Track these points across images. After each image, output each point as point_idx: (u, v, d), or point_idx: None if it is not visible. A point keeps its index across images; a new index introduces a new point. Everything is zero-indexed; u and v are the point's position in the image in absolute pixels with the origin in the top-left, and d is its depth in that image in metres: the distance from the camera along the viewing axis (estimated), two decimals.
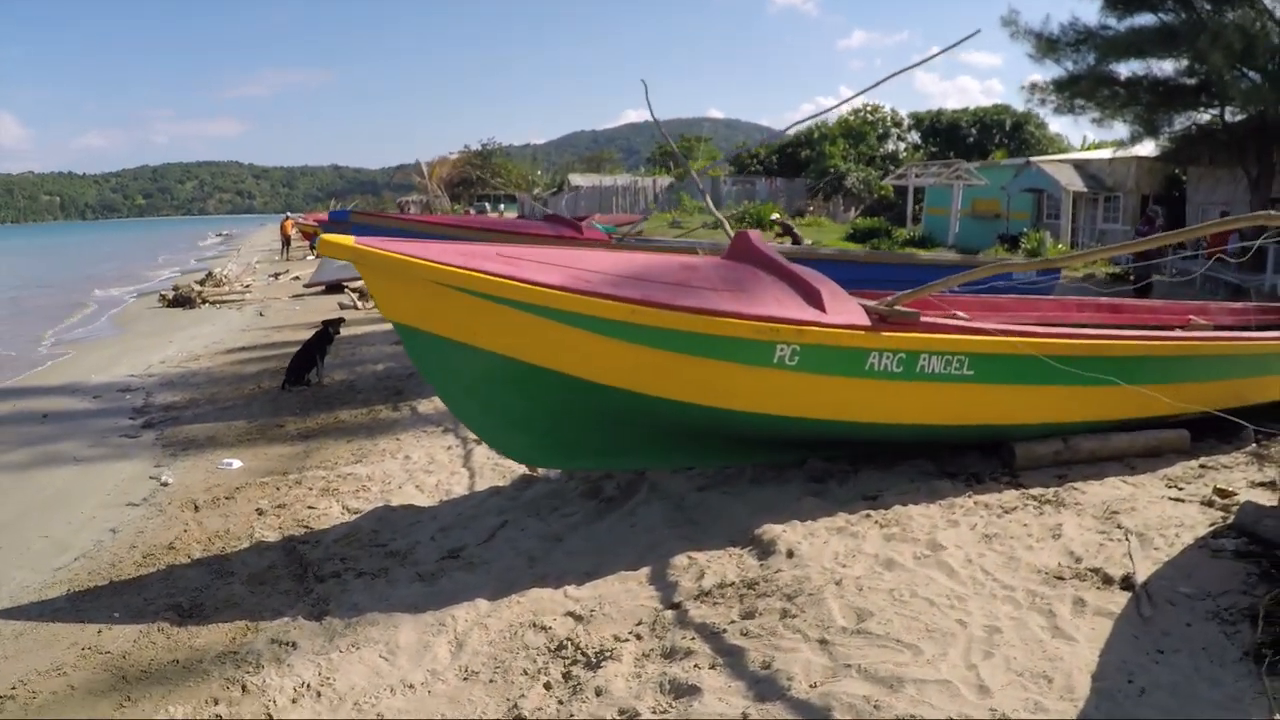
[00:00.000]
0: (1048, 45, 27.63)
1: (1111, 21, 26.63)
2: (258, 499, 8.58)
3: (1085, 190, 34.56)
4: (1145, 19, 26.01)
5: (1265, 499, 6.74)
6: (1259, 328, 11.46)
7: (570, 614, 5.63)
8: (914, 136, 70.54)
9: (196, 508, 8.54)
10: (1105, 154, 35.51)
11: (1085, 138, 31.99)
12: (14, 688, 5.33)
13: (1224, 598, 5.50)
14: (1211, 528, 6.56)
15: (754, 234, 7.75)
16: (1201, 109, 26.56)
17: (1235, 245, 24.64)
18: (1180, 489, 7.55)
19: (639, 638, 5.27)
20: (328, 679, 5.10)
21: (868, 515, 6.77)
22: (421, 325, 5.83)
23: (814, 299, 6.67)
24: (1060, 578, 5.79)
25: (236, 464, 10.02)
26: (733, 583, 5.80)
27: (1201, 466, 8.09)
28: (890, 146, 69.44)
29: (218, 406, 13.33)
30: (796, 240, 23.30)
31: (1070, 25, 27.27)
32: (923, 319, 7.00)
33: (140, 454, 10.97)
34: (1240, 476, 7.74)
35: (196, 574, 6.82)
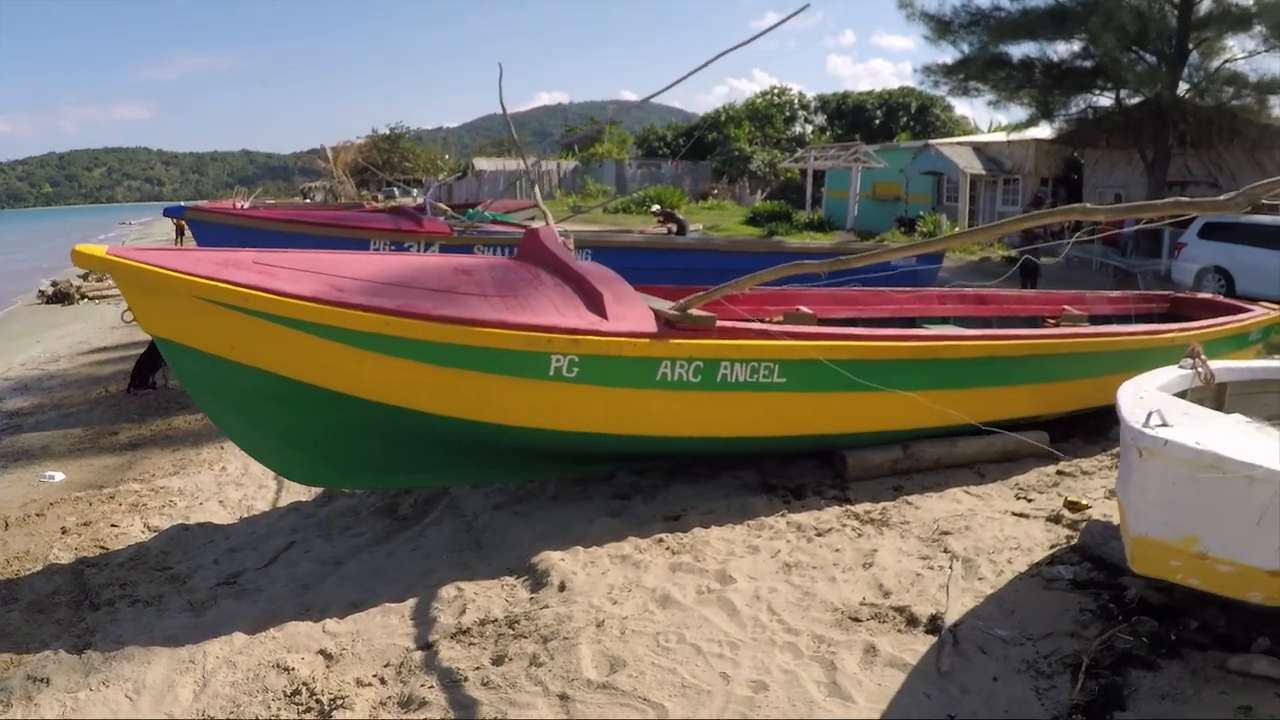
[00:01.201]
0: (942, 27, 27.22)
1: (1005, 3, 26.29)
2: (66, 516, 7.91)
3: (984, 173, 34.08)
4: (1039, 1, 25.60)
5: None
6: (1139, 317, 11.04)
7: (322, 651, 5.08)
8: (820, 119, 70.32)
9: (6, 525, 7.85)
10: (1005, 137, 35.24)
11: (991, 120, 31.67)
12: None
13: (1046, 641, 4.79)
14: (1052, 550, 5.91)
15: (545, 231, 7.16)
16: (1097, 92, 26.24)
17: (1131, 229, 24.31)
18: (1029, 500, 6.94)
19: (383, 681, 4.77)
20: (69, 712, 4.66)
21: (660, 540, 6.20)
22: (179, 339, 5.43)
23: (596, 304, 6.20)
24: (856, 619, 5.08)
25: (59, 477, 9.34)
26: (495, 619, 5.25)
27: (1059, 473, 7.50)
28: (798, 129, 69.14)
29: (61, 413, 12.39)
30: (681, 227, 22.39)
31: (963, 7, 26.92)
32: (720, 325, 6.39)
33: None
34: (1099, 484, 7.17)
35: None
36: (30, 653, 5.34)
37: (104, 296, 27.42)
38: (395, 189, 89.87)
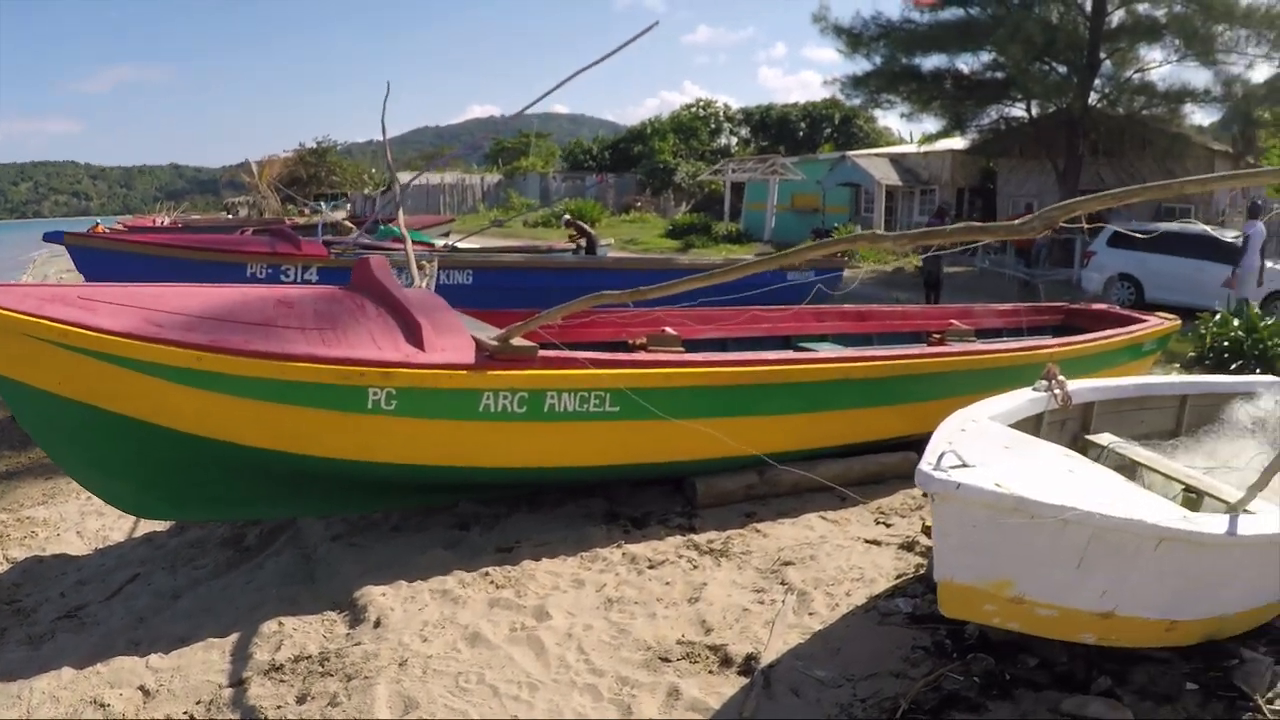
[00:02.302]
0: (854, 40, 27.24)
1: (915, 16, 26.37)
2: None
3: (901, 184, 34.23)
4: (950, 14, 25.67)
5: None
6: (1031, 330, 10.83)
7: (141, 687, 4.97)
8: (745, 132, 70.36)
9: None
10: (918, 148, 35.36)
11: (911, 133, 31.72)
12: None
13: (868, 683, 4.52)
14: (898, 580, 5.67)
15: (375, 260, 6.98)
16: (1008, 103, 26.35)
17: (1046, 239, 24.31)
18: (888, 525, 6.71)
19: (192, 719, 4.65)
20: None
21: (486, 574, 5.99)
22: (8, 373, 5.40)
23: (414, 335, 6.06)
24: (667, 659, 4.83)
25: None
26: (309, 656, 5.11)
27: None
28: (723, 141, 69.12)
29: None
30: (591, 241, 21.95)
31: (873, 19, 26.96)
32: (544, 355, 6.22)
33: None
34: None
35: None
36: None
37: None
38: (322, 203, 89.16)
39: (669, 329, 8.46)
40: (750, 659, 4.72)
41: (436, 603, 5.66)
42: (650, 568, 5.99)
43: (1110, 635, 4.30)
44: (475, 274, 13.53)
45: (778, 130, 66.39)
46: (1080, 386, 6.44)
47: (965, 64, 26.65)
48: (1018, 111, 26.66)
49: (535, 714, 4.41)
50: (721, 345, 9.28)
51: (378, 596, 5.70)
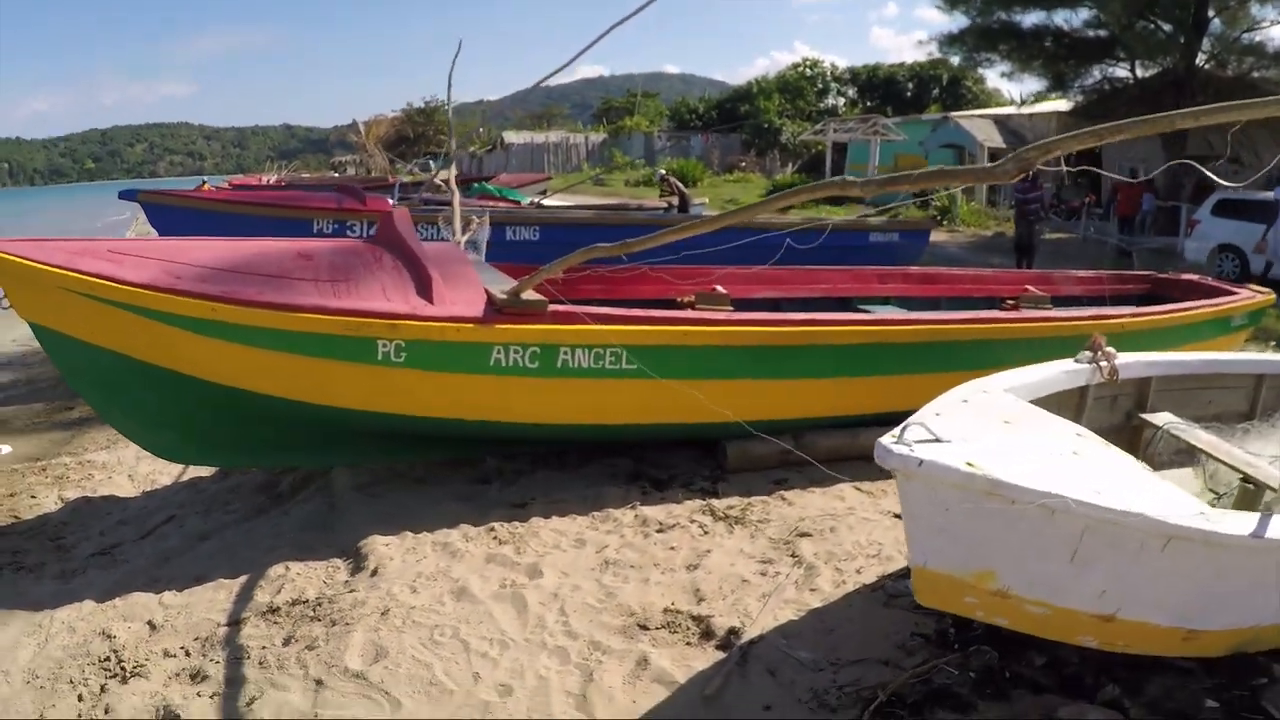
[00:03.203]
0: None
1: None
2: None
3: (1004, 146, 33.04)
4: None
5: None
6: (1114, 299, 10.31)
7: (149, 622, 5.14)
8: (852, 92, 69.08)
9: None
10: (1017, 109, 34.18)
11: (1022, 94, 30.57)
12: None
13: (853, 669, 4.26)
14: None
15: (398, 213, 7.01)
16: (1110, 62, 25.20)
17: (1151, 206, 23.43)
18: None
19: (187, 654, 4.80)
20: None
21: (492, 529, 5.95)
22: (45, 324, 5.73)
23: (425, 288, 6.06)
24: (645, 627, 4.70)
25: (6, 449, 9.45)
26: (307, 600, 5.22)
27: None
28: (830, 101, 67.98)
29: (32, 388, 12.41)
30: (684, 200, 21.68)
31: None
32: (555, 309, 6.10)
33: None
34: None
35: None
36: None
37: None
38: (430, 161, 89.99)
39: (719, 287, 8.23)
40: (733, 633, 4.53)
41: (435, 555, 5.66)
42: (659, 531, 5.84)
43: (1114, 640, 3.86)
44: (542, 230, 13.35)
45: (884, 91, 65.01)
46: (1135, 359, 5.87)
47: (1066, 21, 25.55)
48: (1121, 72, 25.58)
49: (498, 672, 4.37)
50: (775, 305, 8.91)
51: (380, 546, 5.75)
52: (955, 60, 29.34)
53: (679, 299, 8.20)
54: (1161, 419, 5.59)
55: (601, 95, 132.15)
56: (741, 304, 8.42)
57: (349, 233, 12.32)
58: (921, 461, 3.41)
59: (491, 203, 20.64)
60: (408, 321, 5.76)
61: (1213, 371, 6.33)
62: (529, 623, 4.81)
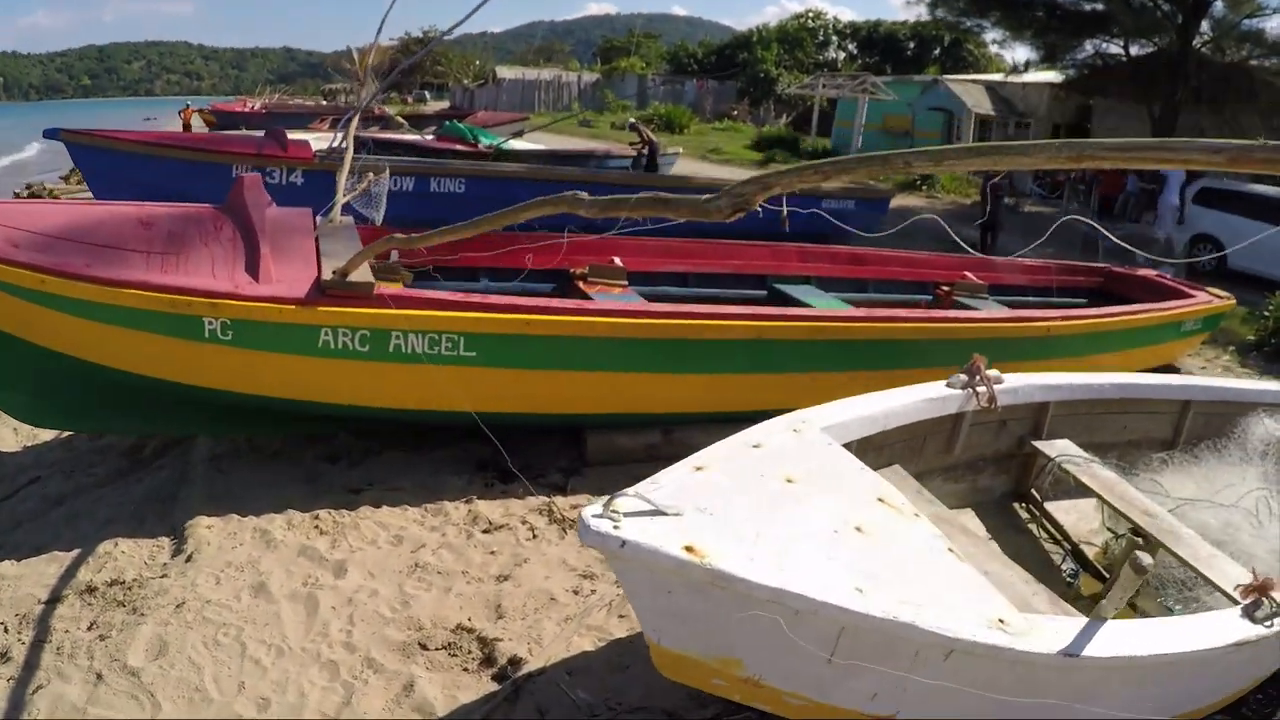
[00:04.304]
0: None
1: None
2: None
3: (994, 114, 32.59)
4: None
5: None
6: (1062, 292, 9.97)
7: None
8: (853, 47, 68.28)
9: None
10: (1003, 77, 33.42)
11: (1029, 62, 29.67)
12: None
13: (636, 716, 4.00)
14: None
15: (249, 179, 6.76)
16: (1103, 37, 24.55)
17: (1135, 188, 22.81)
18: None
19: (6, 630, 4.74)
20: None
21: (316, 517, 5.75)
22: None
23: (254, 264, 5.89)
24: (425, 646, 4.47)
25: None
26: (122, 581, 5.11)
27: None
28: (831, 54, 67.24)
29: None
30: (653, 149, 21.18)
31: None
32: (384, 292, 5.83)
33: None
34: None
35: None
36: None
37: (77, 199, 26.54)
38: (425, 93, 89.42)
39: (617, 259, 7.90)
40: (513, 662, 4.29)
41: (251, 543, 5.49)
42: (485, 532, 5.60)
43: None
44: (467, 183, 13.02)
45: (885, 48, 64.32)
46: (1031, 382, 5.33)
47: None
48: (1115, 49, 24.82)
49: (263, 683, 4.21)
50: (681, 280, 8.66)
51: (203, 529, 5.60)
52: (943, 19, 28.36)
53: (572, 270, 7.89)
54: (1057, 448, 5.17)
55: (605, 34, 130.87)
56: (642, 278, 8.13)
57: (269, 179, 12.01)
58: (624, 543, 2.85)
59: (453, 144, 20.29)
60: (228, 301, 5.57)
61: (1124, 397, 5.77)
62: (313, 628, 4.62)
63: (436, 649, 4.41)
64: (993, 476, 5.48)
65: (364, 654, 4.39)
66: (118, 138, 12.87)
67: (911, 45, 63.09)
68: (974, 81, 35.32)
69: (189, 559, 5.28)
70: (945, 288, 9.04)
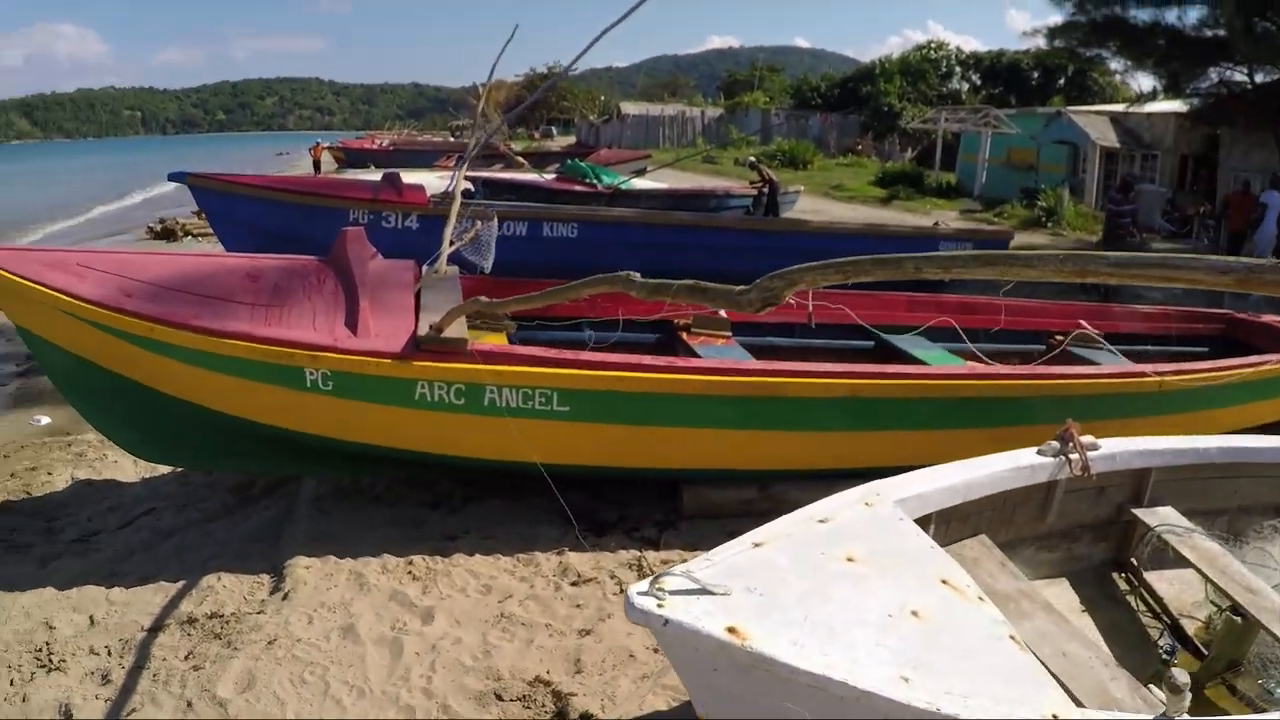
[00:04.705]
0: None
1: None
2: (23, 459, 8.42)
3: (1119, 146, 31.71)
4: None
5: None
6: (1181, 341, 9.45)
7: (91, 616, 5.44)
8: (976, 78, 66.96)
9: None
10: (1137, 108, 32.43)
11: (1155, 90, 28.62)
12: None
13: None
14: None
15: (352, 233, 7.02)
16: (1227, 65, 23.84)
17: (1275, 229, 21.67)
18: None
19: (108, 653, 5.06)
20: None
21: (410, 563, 5.95)
22: (25, 325, 6.08)
23: (353, 318, 6.17)
24: (501, 697, 4.56)
25: (45, 420, 9.89)
26: (222, 614, 5.40)
27: None
28: (954, 86, 66.06)
29: None
30: (773, 188, 21.11)
31: None
32: (477, 348, 6.00)
33: None
34: None
35: None
36: None
37: (207, 234, 27.25)
38: (552, 128, 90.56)
39: (722, 311, 7.88)
40: (585, 718, 4.34)
41: (346, 585, 5.68)
42: (573, 585, 5.67)
43: None
44: (580, 228, 13.10)
45: (1008, 78, 63.04)
46: (1131, 447, 4.97)
47: (1179, 18, 24.10)
48: (1240, 76, 24.00)
49: None
50: (788, 331, 8.58)
51: (301, 568, 5.82)
52: (1057, 47, 27.73)
53: (676, 321, 7.94)
54: (1158, 516, 4.89)
55: (729, 68, 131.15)
56: (745, 328, 8.10)
57: (384, 223, 12.31)
58: (667, 621, 2.86)
59: (573, 184, 20.45)
60: (328, 354, 5.83)
61: (1233, 461, 5.28)
62: (395, 672, 4.77)
63: (511, 700, 4.50)
64: (1090, 544, 5.20)
65: (440, 700, 4.50)
66: (237, 182, 13.26)
67: (1036, 75, 61.75)
68: (1098, 113, 34.51)
69: (285, 597, 5.51)
70: (1059, 337, 8.57)
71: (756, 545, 3.41)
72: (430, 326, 5.91)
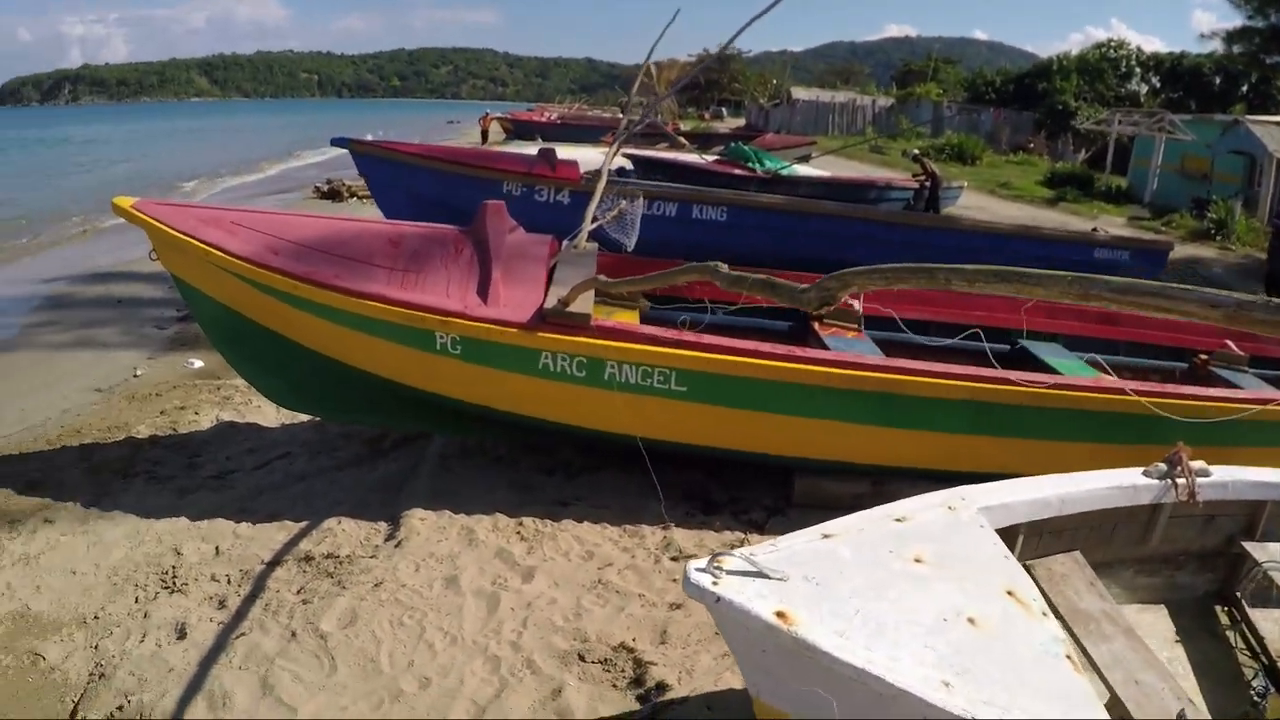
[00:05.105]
0: None
1: None
2: (173, 399, 9.09)
3: None
4: None
5: None
6: None
7: (217, 547, 5.93)
8: (1156, 80, 64.35)
9: (132, 399, 9.24)
10: None
11: None
12: None
13: None
14: None
15: (492, 205, 7.12)
16: None
17: None
18: None
19: (228, 581, 5.51)
20: (48, 548, 5.96)
21: (520, 524, 6.21)
22: (179, 275, 6.62)
23: (485, 286, 6.42)
24: (584, 658, 4.74)
25: (198, 364, 10.53)
26: (337, 555, 5.78)
27: None
28: (1134, 87, 63.69)
29: None
30: (935, 182, 20.75)
31: None
32: (600, 324, 6.16)
33: (148, 346, 11.56)
34: None
35: (67, 456, 7.57)
36: (59, 501, 6.65)
37: (370, 197, 28.06)
38: (723, 109, 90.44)
39: (855, 303, 7.90)
40: (660, 687, 4.47)
41: (455, 539, 5.96)
42: (673, 559, 5.77)
43: None
44: (729, 212, 13.11)
45: (1189, 82, 60.51)
46: (1243, 477, 4.72)
47: None
48: None
49: (430, 665, 4.64)
50: (922, 328, 8.41)
51: (416, 520, 6.14)
52: (1236, 54, 26.70)
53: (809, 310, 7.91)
54: (1268, 551, 4.67)
55: (905, 56, 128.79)
56: (878, 323, 8.11)
57: (536, 196, 12.54)
58: (719, 599, 2.95)
59: (732, 168, 20.42)
60: (457, 319, 6.09)
61: None
62: (488, 624, 5.00)
63: (593, 662, 4.66)
64: (1194, 574, 4.98)
65: (526, 655, 4.71)
66: (395, 149, 13.60)
67: (1218, 80, 59.22)
68: (1278, 124, 33.17)
69: (398, 545, 5.82)
70: (1203, 356, 8.33)
71: (826, 536, 3.44)
72: (558, 300, 6.10)
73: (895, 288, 3.66)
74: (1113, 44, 64.22)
